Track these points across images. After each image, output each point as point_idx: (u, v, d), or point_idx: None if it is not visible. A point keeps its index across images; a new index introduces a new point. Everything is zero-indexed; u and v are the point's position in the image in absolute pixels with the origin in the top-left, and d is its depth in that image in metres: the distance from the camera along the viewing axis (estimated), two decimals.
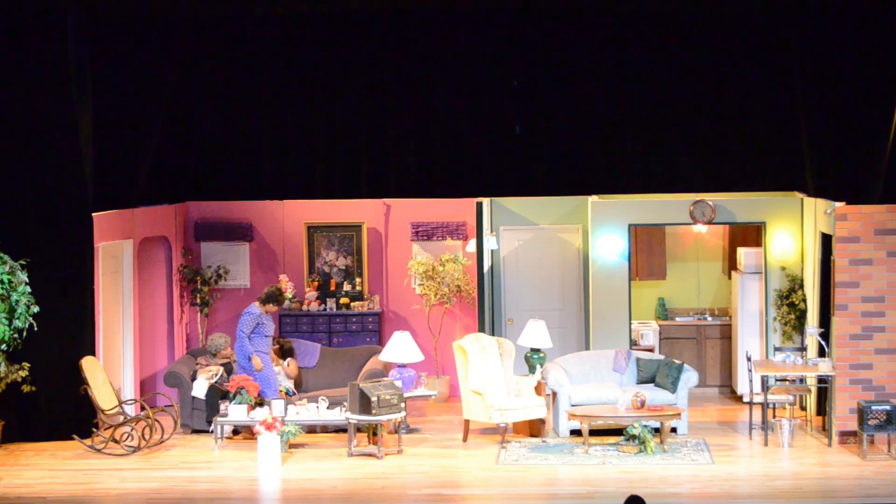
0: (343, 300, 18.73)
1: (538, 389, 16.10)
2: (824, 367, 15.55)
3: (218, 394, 16.31)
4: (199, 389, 16.31)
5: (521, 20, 16.33)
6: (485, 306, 17.75)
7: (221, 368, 16.63)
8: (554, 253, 18.82)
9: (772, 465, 14.66)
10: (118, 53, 16.31)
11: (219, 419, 15.82)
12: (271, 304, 16.23)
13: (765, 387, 15.68)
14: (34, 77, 15.64)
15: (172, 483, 14.16)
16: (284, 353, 17.06)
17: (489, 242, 18.02)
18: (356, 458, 15.17)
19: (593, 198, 17.88)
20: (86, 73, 15.85)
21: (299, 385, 17.18)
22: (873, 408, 14.74)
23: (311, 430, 16.30)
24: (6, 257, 14.99)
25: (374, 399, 15.06)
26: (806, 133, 16.00)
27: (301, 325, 18.63)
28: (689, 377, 16.15)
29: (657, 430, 15.46)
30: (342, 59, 16.53)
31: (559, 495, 13.66)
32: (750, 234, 18.75)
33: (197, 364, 16.89)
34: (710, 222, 17.65)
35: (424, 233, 18.77)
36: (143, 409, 15.93)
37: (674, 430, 16.02)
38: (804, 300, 17.30)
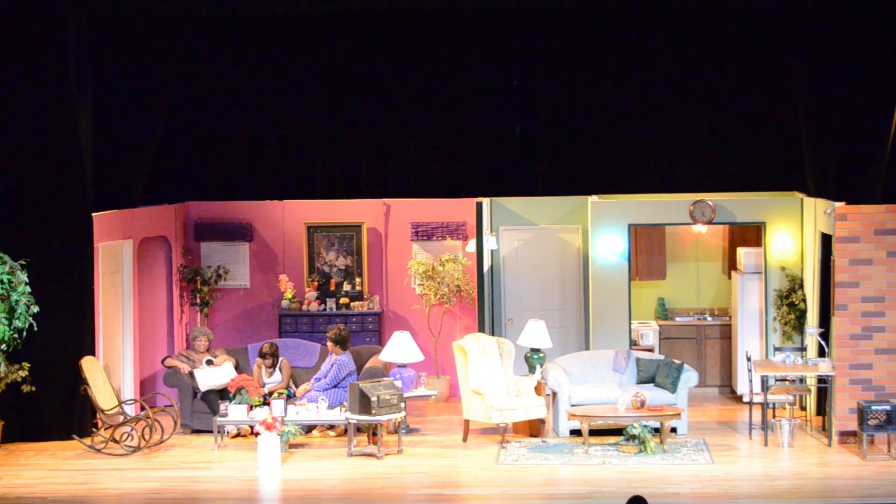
0: (343, 300, 18.73)
1: (538, 389, 16.10)
2: (824, 367, 15.54)
3: (217, 394, 16.32)
4: (204, 379, 16.30)
5: (520, 20, 16.32)
6: (485, 306, 17.74)
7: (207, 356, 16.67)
8: (554, 253, 18.82)
9: (772, 465, 14.66)
10: (118, 53, 16.31)
11: (219, 419, 15.82)
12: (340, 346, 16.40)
13: (765, 387, 15.68)
14: (34, 77, 15.64)
15: (172, 483, 14.16)
16: (274, 356, 16.78)
17: (489, 242, 18.00)
18: (356, 458, 15.17)
19: (593, 198, 17.87)
20: (86, 73, 15.85)
21: (297, 385, 17.15)
22: (873, 408, 14.73)
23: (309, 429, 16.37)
24: (6, 257, 14.99)
25: (374, 399, 15.06)
26: (806, 133, 15.99)
27: (301, 324, 18.63)
28: (689, 377, 16.15)
29: (657, 430, 15.46)
30: (342, 59, 16.52)
31: (559, 495, 13.66)
32: (750, 234, 18.74)
33: (192, 362, 16.82)
34: (710, 222, 17.64)
35: (424, 233, 18.76)
36: (143, 409, 15.93)
37: (674, 430, 16.02)
38: (804, 300, 17.30)
